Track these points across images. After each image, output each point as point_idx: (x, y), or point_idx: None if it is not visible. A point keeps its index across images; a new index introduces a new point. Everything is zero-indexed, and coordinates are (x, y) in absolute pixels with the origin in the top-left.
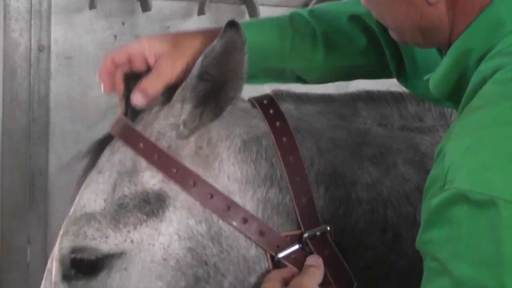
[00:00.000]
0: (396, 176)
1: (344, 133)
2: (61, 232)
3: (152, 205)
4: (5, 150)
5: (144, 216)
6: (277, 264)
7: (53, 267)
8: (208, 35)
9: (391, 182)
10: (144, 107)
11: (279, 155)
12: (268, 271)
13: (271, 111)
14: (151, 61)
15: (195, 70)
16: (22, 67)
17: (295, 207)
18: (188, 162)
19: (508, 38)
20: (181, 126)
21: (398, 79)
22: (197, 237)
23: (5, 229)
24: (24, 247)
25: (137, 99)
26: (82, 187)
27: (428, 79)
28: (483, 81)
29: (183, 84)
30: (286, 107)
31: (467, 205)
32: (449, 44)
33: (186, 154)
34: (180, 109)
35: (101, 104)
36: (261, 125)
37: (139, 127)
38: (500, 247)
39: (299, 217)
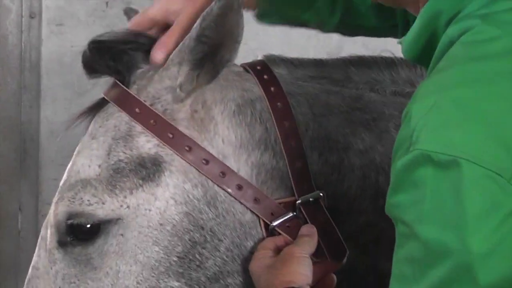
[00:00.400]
0: (388, 142)
1: (337, 98)
2: (55, 199)
3: (148, 170)
4: None
5: (140, 181)
6: (271, 232)
7: (48, 234)
8: None
9: (384, 148)
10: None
11: (274, 120)
12: (263, 238)
13: (265, 76)
14: (172, 20)
15: (193, 32)
16: (13, 34)
17: (289, 172)
18: (184, 126)
19: (477, 1)
20: (178, 89)
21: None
22: (194, 201)
23: None
24: (15, 214)
25: (157, 55)
26: (75, 153)
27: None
28: (450, 44)
29: (180, 46)
30: (279, 72)
31: (431, 166)
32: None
33: (181, 117)
34: (177, 72)
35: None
36: (255, 89)
37: (132, 90)
38: (464, 208)
39: (292, 182)
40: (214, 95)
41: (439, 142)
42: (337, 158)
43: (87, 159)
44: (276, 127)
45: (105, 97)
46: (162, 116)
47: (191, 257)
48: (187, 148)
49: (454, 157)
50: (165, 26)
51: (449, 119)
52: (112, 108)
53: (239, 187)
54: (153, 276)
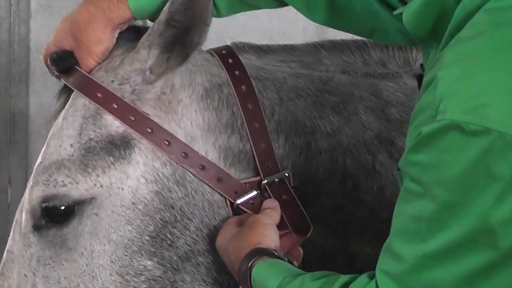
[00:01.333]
0: (356, 125)
1: (306, 81)
2: (30, 183)
3: (118, 147)
4: None
5: (112, 159)
6: (236, 210)
7: (22, 218)
8: None
9: (352, 130)
10: None
11: (238, 103)
12: (229, 217)
13: (230, 60)
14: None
15: (162, 16)
16: (2, 7)
17: (254, 153)
18: (150, 106)
19: None
20: (148, 72)
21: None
22: (163, 180)
23: None
24: (5, 188)
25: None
26: (49, 135)
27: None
28: (470, 14)
29: (149, 30)
30: (248, 58)
31: (459, 134)
32: None
33: (149, 98)
34: (147, 55)
35: None
36: (222, 74)
37: (99, 73)
38: (490, 177)
39: (257, 163)
40: (182, 79)
41: (470, 112)
42: (304, 141)
43: (58, 140)
44: (241, 110)
45: (66, 83)
46: (124, 100)
47: (162, 237)
48: (149, 130)
49: (485, 127)
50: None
51: (480, 87)
52: None
53: (202, 167)
54: (126, 255)
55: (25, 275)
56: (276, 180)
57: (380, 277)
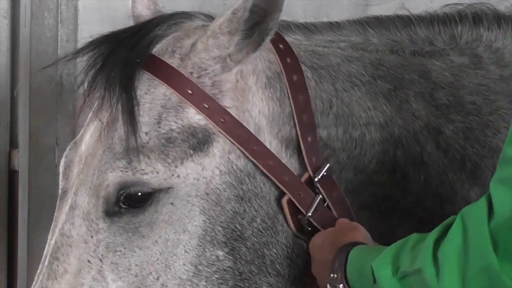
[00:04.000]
0: (407, 114)
1: (359, 66)
2: (100, 168)
3: (199, 140)
4: (34, 53)
5: (191, 151)
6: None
7: (84, 202)
8: None
9: (403, 120)
10: None
11: (289, 94)
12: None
13: (281, 46)
14: None
15: (247, 3)
16: None
17: (302, 145)
18: (230, 98)
19: None
20: (228, 59)
21: None
22: (236, 172)
23: (33, 130)
24: (52, 148)
25: None
26: (107, 118)
27: None
28: None
29: (230, 16)
30: (296, 39)
31: None
32: None
33: (228, 88)
34: (227, 41)
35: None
36: (278, 61)
37: (173, 61)
38: None
39: (305, 156)
40: (247, 65)
41: None
42: (360, 134)
43: (131, 126)
44: (291, 101)
45: (146, 72)
46: (213, 99)
47: (232, 227)
48: (228, 124)
49: None
50: None
51: None
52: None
53: (269, 161)
54: (200, 245)
55: (89, 261)
56: (324, 173)
57: (495, 187)
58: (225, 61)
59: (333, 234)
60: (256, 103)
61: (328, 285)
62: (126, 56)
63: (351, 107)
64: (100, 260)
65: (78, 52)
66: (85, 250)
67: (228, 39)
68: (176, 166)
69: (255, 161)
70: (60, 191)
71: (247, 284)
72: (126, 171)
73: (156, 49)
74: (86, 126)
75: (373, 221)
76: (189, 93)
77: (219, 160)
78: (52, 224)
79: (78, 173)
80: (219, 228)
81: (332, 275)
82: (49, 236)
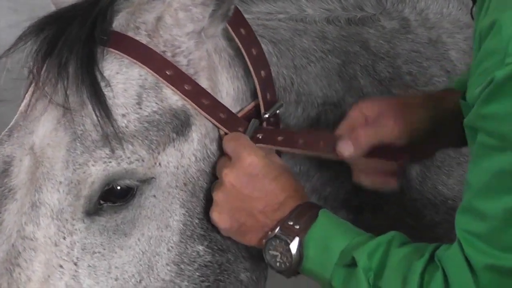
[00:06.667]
0: (356, 92)
1: (309, 40)
2: (79, 160)
3: (182, 122)
4: None
5: (174, 135)
6: None
7: (54, 200)
8: (427, 97)
9: (353, 98)
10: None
11: (252, 70)
12: None
13: (233, 17)
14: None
15: None
16: None
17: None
18: (205, 76)
19: None
20: (202, 33)
21: None
22: (210, 157)
23: None
24: None
25: (346, 147)
26: (69, 103)
27: None
28: None
29: None
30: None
31: None
32: None
33: (202, 67)
34: (201, 13)
35: None
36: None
37: (142, 38)
38: None
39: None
40: (210, 42)
41: None
42: (316, 113)
43: (102, 109)
44: (255, 78)
45: (113, 50)
46: (191, 77)
47: (207, 218)
48: (206, 104)
49: None
50: None
51: None
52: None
53: None
54: (182, 242)
55: (61, 265)
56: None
57: (464, 237)
58: (199, 36)
59: (288, 177)
60: (224, 82)
61: (278, 227)
62: (83, 34)
63: (309, 84)
64: (75, 263)
65: (21, 39)
66: (55, 254)
67: (201, 11)
68: (159, 153)
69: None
70: None
71: (226, 276)
72: (110, 162)
73: (115, 26)
74: (25, 114)
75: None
76: (168, 74)
77: (196, 145)
78: None
79: (32, 167)
80: (197, 221)
81: (289, 222)
82: None
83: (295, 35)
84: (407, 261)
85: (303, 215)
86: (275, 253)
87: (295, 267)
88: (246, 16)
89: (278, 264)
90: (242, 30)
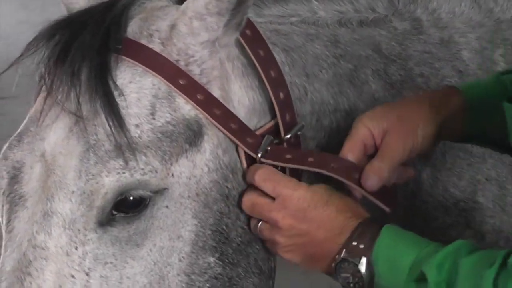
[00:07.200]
0: (368, 97)
1: (321, 45)
2: (92, 170)
3: (195, 132)
4: None
5: (187, 145)
6: None
7: (66, 209)
8: (431, 101)
9: (364, 104)
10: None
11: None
12: None
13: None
14: (378, 141)
15: None
16: None
17: (280, 123)
18: (217, 86)
19: None
20: (217, 43)
21: None
22: (223, 168)
23: None
24: None
25: (372, 182)
26: (83, 111)
27: None
28: None
29: None
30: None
31: None
32: None
33: (214, 76)
34: (216, 23)
35: None
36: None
37: (155, 46)
38: None
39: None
40: (224, 50)
41: None
42: (329, 122)
43: (115, 120)
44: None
45: (126, 58)
46: (204, 88)
47: (220, 230)
48: (218, 114)
49: None
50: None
51: None
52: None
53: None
54: (193, 252)
55: (73, 275)
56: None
57: None
58: (213, 45)
59: (339, 198)
60: (236, 92)
61: (344, 250)
62: (96, 42)
63: (321, 93)
64: (87, 274)
65: (33, 44)
66: (67, 264)
67: (216, 21)
68: (172, 164)
69: (240, 155)
70: (5, 196)
71: None
72: (124, 173)
73: (128, 33)
74: (36, 120)
75: None
76: (181, 84)
77: (209, 156)
78: (5, 236)
79: (43, 175)
80: (209, 232)
81: (353, 243)
82: (3, 251)
83: (308, 40)
84: (478, 269)
85: (366, 233)
86: (346, 275)
87: (370, 285)
88: (258, 19)
89: (352, 285)
90: (261, 52)
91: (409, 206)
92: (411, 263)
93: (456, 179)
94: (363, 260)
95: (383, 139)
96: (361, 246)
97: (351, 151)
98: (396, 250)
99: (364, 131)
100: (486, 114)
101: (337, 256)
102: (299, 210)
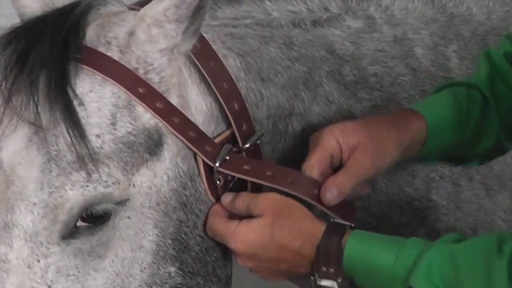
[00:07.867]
0: (322, 99)
1: (276, 48)
2: (54, 183)
3: (155, 142)
4: None
5: (148, 156)
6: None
7: (27, 222)
8: (399, 126)
9: (319, 107)
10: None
11: (211, 83)
12: None
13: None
14: (345, 156)
15: None
16: None
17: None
18: (176, 94)
19: None
20: (175, 50)
21: None
22: (182, 176)
23: None
24: None
25: (332, 194)
26: (41, 121)
27: None
28: None
29: (175, 1)
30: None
31: None
32: None
33: (173, 84)
34: (175, 30)
35: None
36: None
37: (113, 54)
38: None
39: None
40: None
41: None
42: (284, 126)
43: (76, 130)
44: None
45: (86, 67)
46: (163, 95)
47: (180, 238)
48: (177, 122)
49: None
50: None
51: None
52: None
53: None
54: (154, 263)
55: None
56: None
57: None
58: (172, 52)
59: (281, 223)
60: (194, 98)
61: (322, 280)
62: (55, 49)
63: (277, 97)
64: (49, 286)
65: None
66: (28, 276)
67: (175, 28)
68: (133, 174)
69: (198, 162)
70: None
71: None
72: (87, 186)
73: (86, 41)
74: None
75: None
76: (140, 92)
77: (169, 164)
78: None
79: (2, 185)
80: (169, 241)
81: (322, 268)
82: None
83: (262, 43)
84: (481, 260)
85: (329, 254)
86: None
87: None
88: (212, 22)
89: None
90: (212, 64)
91: (363, 207)
92: (390, 267)
93: (410, 178)
94: (340, 279)
95: (351, 155)
96: (331, 270)
97: (318, 164)
98: (368, 263)
99: (334, 144)
100: (444, 134)
101: (312, 277)
102: (250, 256)
